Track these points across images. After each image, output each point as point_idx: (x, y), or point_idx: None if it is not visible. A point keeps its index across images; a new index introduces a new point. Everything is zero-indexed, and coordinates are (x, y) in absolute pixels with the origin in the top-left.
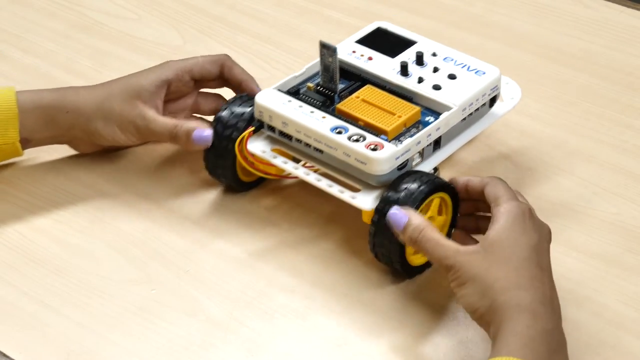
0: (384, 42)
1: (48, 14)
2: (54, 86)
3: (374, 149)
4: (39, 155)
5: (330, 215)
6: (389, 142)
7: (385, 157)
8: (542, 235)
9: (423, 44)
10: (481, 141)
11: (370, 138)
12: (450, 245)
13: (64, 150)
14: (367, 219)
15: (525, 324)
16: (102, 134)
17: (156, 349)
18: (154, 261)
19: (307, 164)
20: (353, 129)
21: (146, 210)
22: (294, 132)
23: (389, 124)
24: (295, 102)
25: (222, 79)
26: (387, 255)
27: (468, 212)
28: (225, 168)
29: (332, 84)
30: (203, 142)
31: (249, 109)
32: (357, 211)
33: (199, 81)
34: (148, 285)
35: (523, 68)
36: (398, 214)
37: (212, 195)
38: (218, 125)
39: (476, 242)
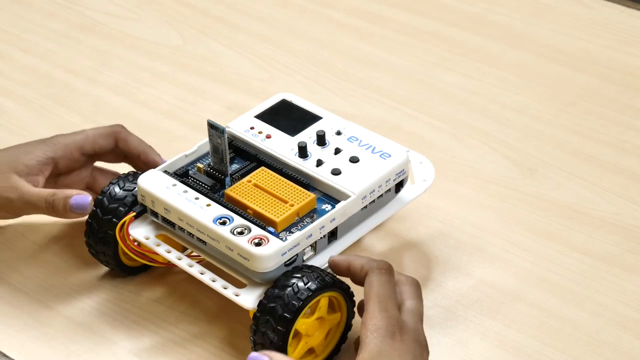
0: (286, 117)
1: (48, 14)
2: (53, 86)
3: (258, 244)
4: None
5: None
6: (277, 235)
7: (268, 253)
8: (417, 354)
9: (328, 120)
10: (482, 141)
11: (256, 231)
12: None
13: None
14: (251, 315)
15: None
16: None
17: (156, 349)
18: None
19: (193, 253)
20: (238, 220)
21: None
22: (176, 220)
23: (279, 214)
24: (180, 187)
25: (119, 152)
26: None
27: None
28: (107, 254)
29: (222, 166)
30: (82, 209)
31: (132, 191)
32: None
33: (93, 155)
34: (149, 285)
35: (523, 68)
36: (258, 358)
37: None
38: (98, 210)
39: None
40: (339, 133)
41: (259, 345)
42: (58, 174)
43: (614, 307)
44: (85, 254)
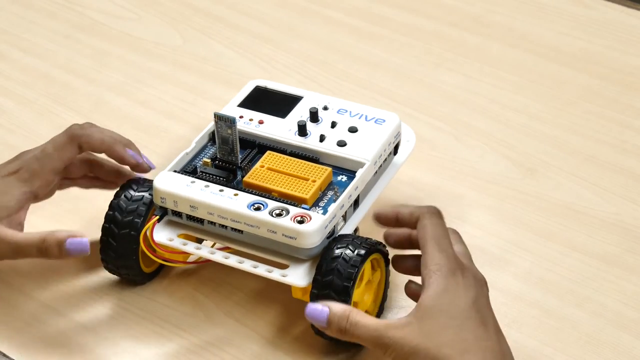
0: (268, 102)
1: (48, 14)
2: (53, 86)
3: (301, 222)
4: None
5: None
6: (311, 210)
7: (314, 228)
8: (478, 289)
9: (311, 98)
10: (482, 141)
11: (294, 210)
12: (380, 323)
13: None
14: (298, 295)
15: None
16: None
17: (156, 349)
18: None
19: (216, 246)
20: (272, 203)
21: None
22: (205, 215)
23: (306, 191)
24: (200, 182)
25: (82, 158)
26: None
27: (401, 245)
28: (129, 267)
29: (232, 157)
30: (79, 250)
31: (141, 200)
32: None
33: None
34: (148, 286)
35: (523, 68)
36: (317, 309)
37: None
38: (112, 225)
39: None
40: (326, 108)
41: (319, 331)
42: (37, 197)
43: (614, 307)
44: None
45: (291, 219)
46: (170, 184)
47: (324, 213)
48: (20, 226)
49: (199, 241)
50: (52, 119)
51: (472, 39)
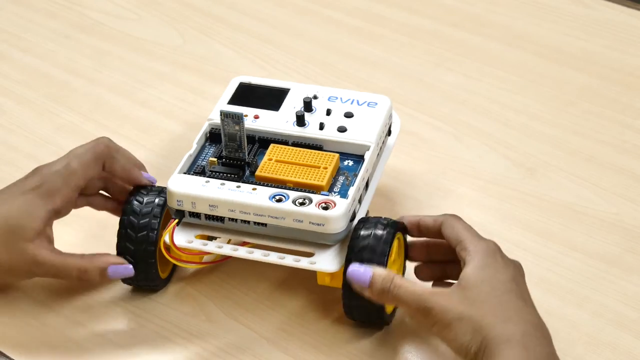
0: (257, 96)
1: (48, 14)
2: (53, 86)
3: (326, 208)
4: None
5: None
6: (330, 196)
7: (341, 213)
8: (516, 270)
9: (298, 89)
10: (482, 141)
11: (317, 198)
12: (424, 288)
13: None
14: (325, 281)
15: (516, 357)
16: None
17: (156, 349)
18: None
19: (233, 242)
20: (293, 193)
21: None
22: (226, 213)
23: (321, 178)
24: (215, 181)
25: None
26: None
27: (420, 257)
28: (149, 278)
29: (239, 153)
30: (123, 276)
31: (152, 212)
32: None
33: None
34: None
35: (523, 68)
36: (360, 270)
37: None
38: (128, 243)
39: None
40: (316, 97)
41: (354, 308)
42: (59, 213)
43: (614, 307)
44: (73, 244)
45: (316, 206)
46: (186, 185)
47: (343, 197)
48: (51, 243)
49: (210, 239)
50: (52, 119)
51: (472, 39)
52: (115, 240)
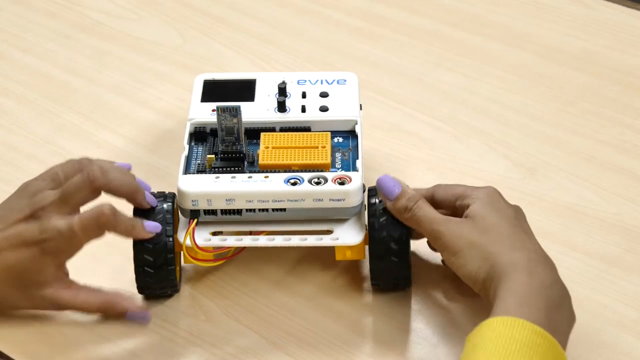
0: (227, 91)
1: (48, 14)
2: (53, 86)
3: (342, 183)
4: None
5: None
6: (339, 172)
7: (358, 185)
8: (518, 210)
9: (264, 77)
10: (481, 141)
11: (330, 175)
12: (442, 215)
13: None
14: (345, 255)
15: (522, 281)
16: None
17: (156, 349)
18: None
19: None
20: (306, 175)
21: None
22: (244, 205)
23: (324, 157)
24: (225, 176)
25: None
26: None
27: None
28: (170, 284)
29: (237, 145)
30: (137, 323)
31: (166, 222)
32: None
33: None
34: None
35: (523, 68)
36: (391, 181)
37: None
38: (146, 255)
39: None
40: (284, 83)
41: (381, 278)
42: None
43: (614, 307)
44: (86, 252)
45: (333, 183)
46: (198, 185)
47: (352, 171)
48: (67, 277)
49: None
50: (52, 119)
51: (472, 39)
52: (125, 243)
